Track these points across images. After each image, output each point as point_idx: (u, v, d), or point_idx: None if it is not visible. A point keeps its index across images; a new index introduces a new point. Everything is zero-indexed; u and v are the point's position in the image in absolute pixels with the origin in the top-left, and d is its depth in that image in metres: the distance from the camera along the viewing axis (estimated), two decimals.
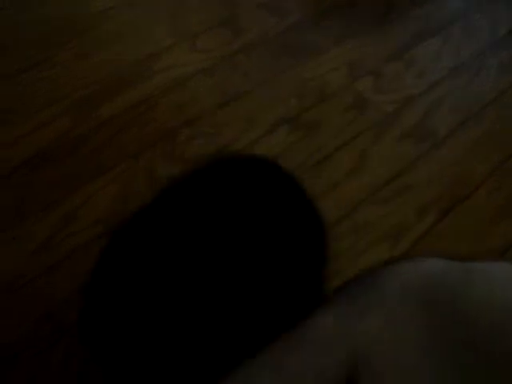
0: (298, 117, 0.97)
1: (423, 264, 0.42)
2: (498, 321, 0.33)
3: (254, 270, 0.47)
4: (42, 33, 1.19)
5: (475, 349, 0.34)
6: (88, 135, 0.96)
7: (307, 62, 1.08)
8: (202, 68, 1.06)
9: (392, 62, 1.09)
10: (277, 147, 0.92)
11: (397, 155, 0.93)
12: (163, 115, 0.98)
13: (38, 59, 1.12)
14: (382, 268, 0.45)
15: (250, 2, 1.23)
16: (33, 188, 0.88)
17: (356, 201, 0.86)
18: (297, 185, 0.57)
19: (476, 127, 0.98)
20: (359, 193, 0.87)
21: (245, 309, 0.47)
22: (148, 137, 0.94)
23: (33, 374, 0.67)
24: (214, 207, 0.49)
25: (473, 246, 0.80)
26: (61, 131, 0.97)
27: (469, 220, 0.84)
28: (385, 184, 0.88)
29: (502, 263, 0.39)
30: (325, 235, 0.56)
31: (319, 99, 1.00)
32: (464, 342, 0.34)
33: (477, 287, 0.36)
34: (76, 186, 0.88)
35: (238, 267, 0.47)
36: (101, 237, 0.81)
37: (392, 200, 0.86)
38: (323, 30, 1.16)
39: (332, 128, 0.96)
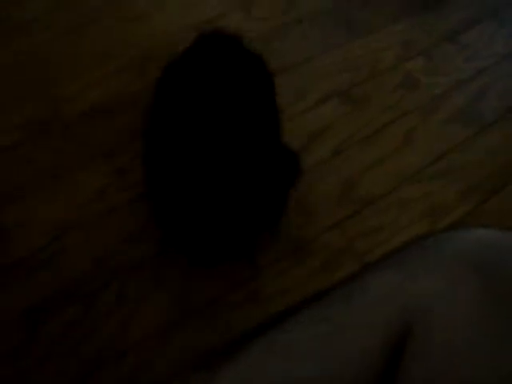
0: (348, 91, 0.98)
1: (477, 231, 0.44)
2: None
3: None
4: None
5: None
6: (143, 92, 0.99)
7: (361, 38, 1.09)
8: (256, 36, 1.07)
9: (444, 44, 1.10)
10: (326, 119, 0.93)
11: (443, 137, 0.94)
12: None
13: (94, 16, 1.14)
14: (436, 234, 0.47)
15: None
16: (91, 139, 0.92)
17: (401, 178, 0.87)
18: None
19: None
20: (404, 170, 0.88)
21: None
22: None
23: (85, 310, 0.71)
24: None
25: None
26: (119, 86, 1.00)
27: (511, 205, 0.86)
28: (430, 164, 0.89)
29: None
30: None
31: (370, 76, 1.01)
32: None
33: None
34: (132, 140, 0.91)
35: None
36: None
37: (436, 179, 0.87)
38: (379, 7, 1.16)
39: (381, 105, 0.97)
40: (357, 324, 0.41)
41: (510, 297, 0.38)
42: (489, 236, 0.43)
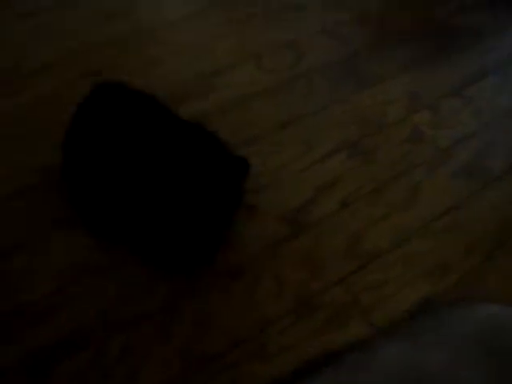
0: (356, 144, 1.00)
1: (481, 309, 0.45)
2: None
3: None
4: (109, 36, 1.24)
5: None
6: None
7: (368, 89, 1.11)
8: (264, 88, 1.10)
9: (451, 98, 1.12)
10: (334, 171, 0.95)
11: (448, 191, 0.95)
12: (224, 130, 1.02)
13: (107, 63, 1.17)
14: (442, 308, 0.48)
15: (314, 27, 1.27)
16: None
17: (407, 232, 0.88)
18: None
19: None
20: (410, 224, 0.89)
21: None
22: None
23: (90, 361, 0.72)
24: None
25: None
26: None
27: None
28: (435, 218, 0.90)
29: None
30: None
31: (377, 128, 1.03)
32: None
33: None
34: None
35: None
36: None
37: (441, 235, 0.88)
38: (385, 59, 1.19)
39: (388, 158, 0.98)
40: None
41: None
42: (502, 315, 0.44)
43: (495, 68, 1.20)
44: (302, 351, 0.72)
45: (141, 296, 0.78)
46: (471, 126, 1.06)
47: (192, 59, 1.17)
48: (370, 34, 1.25)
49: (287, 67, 1.16)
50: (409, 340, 0.44)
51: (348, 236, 0.87)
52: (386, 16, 1.32)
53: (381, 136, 1.02)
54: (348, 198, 0.92)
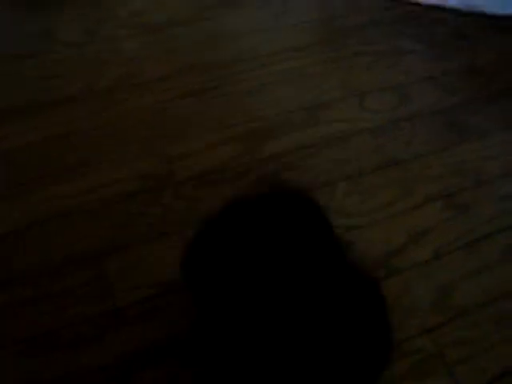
0: (452, 196, 1.00)
1: None
2: None
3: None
4: (221, 58, 1.31)
5: None
6: (252, 165, 1.05)
7: (469, 142, 1.11)
8: (366, 127, 1.12)
9: None
10: (429, 221, 0.95)
11: None
12: (323, 165, 1.04)
13: (217, 83, 1.23)
14: None
15: (420, 73, 1.28)
16: (199, 202, 0.98)
17: (498, 292, 0.87)
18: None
19: None
20: (502, 285, 0.88)
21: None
22: (307, 181, 1.01)
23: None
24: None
25: None
26: (230, 155, 1.06)
27: None
28: None
29: None
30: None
31: (475, 183, 1.03)
32: None
33: None
34: None
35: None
36: None
37: None
38: (490, 113, 1.19)
39: (483, 215, 0.98)
40: None
41: None
42: None
43: None
44: None
45: None
46: None
47: (298, 91, 1.21)
48: (476, 87, 1.26)
49: (391, 108, 1.17)
50: None
51: (438, 287, 0.87)
52: (495, 70, 1.32)
53: (479, 191, 1.02)
54: (441, 248, 0.92)
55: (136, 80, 1.25)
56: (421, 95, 1.22)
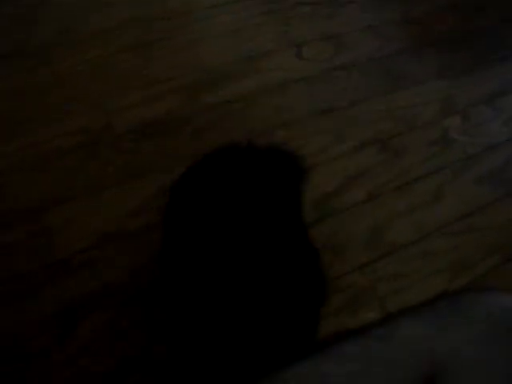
0: (386, 140, 1.03)
1: (505, 298, 0.48)
2: None
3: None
4: (158, 12, 1.28)
5: None
6: (192, 116, 1.05)
7: (403, 89, 1.14)
8: (303, 76, 1.13)
9: (482, 106, 1.15)
10: (364, 164, 0.98)
11: (472, 196, 0.98)
12: (261, 113, 1.06)
13: (155, 37, 1.21)
14: (469, 293, 0.51)
15: (359, 23, 1.30)
16: (138, 155, 0.98)
17: (427, 229, 0.92)
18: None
19: None
20: (431, 223, 0.93)
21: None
22: (246, 130, 1.02)
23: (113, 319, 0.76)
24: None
25: None
26: (169, 107, 1.06)
27: None
28: (457, 220, 0.94)
29: None
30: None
31: (408, 128, 1.07)
32: None
33: None
34: (176, 161, 0.97)
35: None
36: None
37: (461, 236, 0.91)
38: (424, 61, 1.22)
39: (415, 158, 1.02)
40: (389, 363, 0.45)
41: None
42: None
43: None
44: (322, 330, 0.76)
45: None
46: (499, 136, 1.09)
47: (236, 43, 1.21)
48: (413, 36, 1.28)
49: (328, 57, 1.19)
50: (434, 322, 0.47)
51: (371, 227, 0.91)
52: (430, 20, 1.35)
53: (411, 136, 1.05)
54: (375, 190, 0.95)
55: (73, 35, 1.21)
56: (358, 44, 1.24)
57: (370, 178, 0.97)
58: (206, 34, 1.24)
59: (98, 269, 0.82)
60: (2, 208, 0.89)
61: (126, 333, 0.75)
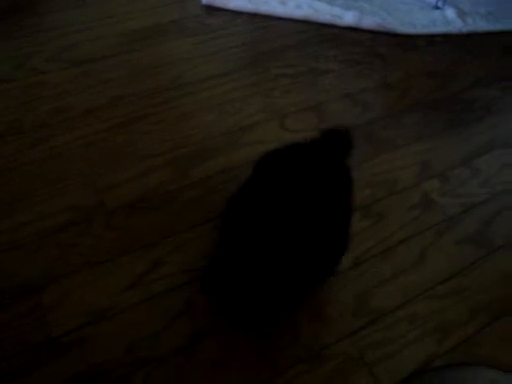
0: (369, 206, 1.08)
1: (482, 373, 0.51)
2: None
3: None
4: (148, 88, 1.35)
5: None
6: (181, 190, 1.09)
7: (384, 154, 1.20)
8: None
9: (460, 168, 1.20)
10: None
11: (454, 257, 1.01)
12: None
13: (144, 113, 1.27)
14: (442, 370, 0.54)
15: (338, 91, 1.37)
16: (129, 231, 1.01)
17: (413, 293, 0.94)
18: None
19: None
20: (416, 286, 0.96)
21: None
22: None
23: None
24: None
25: None
26: (159, 182, 1.10)
27: None
28: (441, 282, 0.97)
29: None
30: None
31: (389, 192, 1.11)
32: None
33: None
34: (166, 235, 1.00)
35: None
36: (183, 286, 0.93)
37: (446, 298, 0.94)
38: (402, 126, 1.28)
39: (398, 222, 1.06)
40: None
41: None
42: (503, 381, 0.50)
43: (503, 141, 1.28)
44: None
45: (165, 335, 0.85)
46: (478, 196, 1.14)
47: (221, 116, 1.27)
48: (390, 102, 1.35)
49: (311, 127, 1.24)
50: None
51: (358, 294, 0.94)
52: (406, 86, 1.42)
53: (393, 200, 1.10)
54: (360, 256, 0.99)
55: (65, 114, 1.27)
56: (338, 112, 1.30)
57: (354, 245, 1.00)
58: (194, 109, 1.30)
59: (92, 346, 0.84)
60: None
61: None
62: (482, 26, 1.73)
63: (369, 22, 1.67)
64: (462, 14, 1.77)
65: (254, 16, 1.69)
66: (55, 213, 1.04)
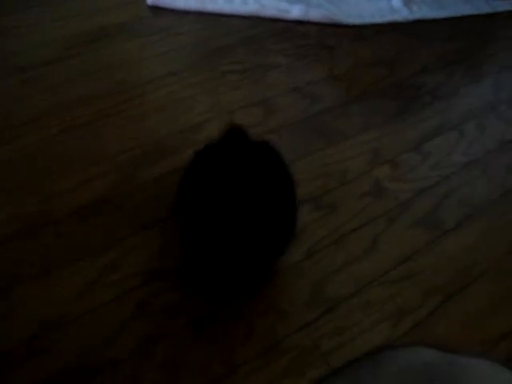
0: (320, 197, 1.08)
1: (418, 355, 0.51)
2: None
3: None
4: (95, 92, 1.33)
5: None
6: (130, 194, 1.08)
7: (333, 146, 1.20)
8: None
9: (410, 153, 1.21)
10: (298, 224, 1.01)
11: (407, 241, 1.02)
12: None
13: (91, 118, 1.25)
14: (382, 353, 0.53)
15: (286, 85, 1.37)
16: (77, 238, 0.99)
17: (366, 280, 0.95)
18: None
19: (482, 221, 1.07)
20: (369, 273, 0.96)
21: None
22: None
23: None
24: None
25: (469, 334, 0.88)
26: (107, 187, 1.08)
27: (469, 308, 0.92)
28: (394, 267, 0.97)
29: (482, 361, 0.48)
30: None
31: (340, 183, 1.11)
32: None
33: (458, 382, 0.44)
34: (118, 239, 0.99)
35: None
36: (135, 290, 0.91)
37: (399, 283, 0.95)
38: (350, 116, 1.29)
39: (349, 211, 1.06)
40: None
41: None
42: (428, 360, 0.50)
43: (451, 125, 1.30)
44: None
45: (117, 341, 0.84)
46: (428, 179, 1.15)
47: (171, 116, 1.25)
48: (338, 93, 1.36)
49: (259, 122, 1.24)
50: (350, 381, 0.49)
51: (311, 284, 0.93)
52: (353, 76, 1.43)
53: (343, 190, 1.10)
54: (313, 247, 0.99)
55: (8, 123, 1.24)
56: (287, 106, 1.30)
57: (307, 236, 1.00)
58: (142, 110, 1.28)
59: (43, 358, 0.82)
60: None
61: None
62: (428, 13, 1.75)
63: (316, 15, 1.67)
64: (407, 2, 1.79)
65: (200, 14, 1.68)
66: (2, 223, 1.01)
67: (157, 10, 1.70)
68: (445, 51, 1.58)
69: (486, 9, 1.81)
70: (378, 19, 1.71)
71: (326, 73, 1.44)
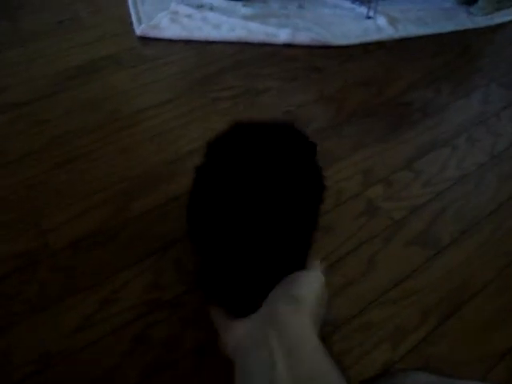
0: None
1: (415, 380, 0.51)
2: None
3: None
4: (86, 125, 1.34)
5: None
6: (124, 225, 1.08)
7: (326, 167, 1.20)
8: None
9: (402, 171, 1.21)
10: None
11: (404, 260, 1.02)
12: None
13: (84, 151, 1.26)
14: (382, 379, 0.54)
15: (276, 109, 1.38)
16: (74, 271, 0.99)
17: (365, 301, 0.94)
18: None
19: (477, 236, 1.08)
20: (368, 294, 0.96)
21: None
22: (180, 231, 1.05)
23: None
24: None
25: (470, 351, 0.88)
26: (101, 219, 1.09)
27: (468, 325, 0.92)
28: (392, 287, 0.97)
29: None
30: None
31: (335, 204, 1.12)
32: None
33: None
34: (114, 272, 0.99)
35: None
36: (133, 322, 0.91)
37: (398, 302, 0.95)
38: (342, 137, 1.30)
39: (345, 232, 1.06)
40: None
41: None
42: (432, 383, 0.50)
43: (442, 141, 1.31)
44: None
45: (118, 373, 0.83)
46: (422, 197, 1.15)
47: (161, 146, 1.26)
48: (328, 115, 1.37)
49: None
50: None
51: None
52: (343, 96, 1.44)
53: (338, 211, 1.10)
54: None
55: (1, 160, 1.25)
56: None
57: None
58: (133, 141, 1.29)
59: None
60: None
61: None
62: (412, 30, 1.78)
63: (303, 38, 1.69)
64: (392, 21, 1.81)
65: (188, 42, 1.70)
66: None
67: (145, 40, 1.72)
68: (432, 67, 1.60)
69: (468, 24, 1.84)
70: (365, 39, 1.74)
71: (316, 94, 1.46)
